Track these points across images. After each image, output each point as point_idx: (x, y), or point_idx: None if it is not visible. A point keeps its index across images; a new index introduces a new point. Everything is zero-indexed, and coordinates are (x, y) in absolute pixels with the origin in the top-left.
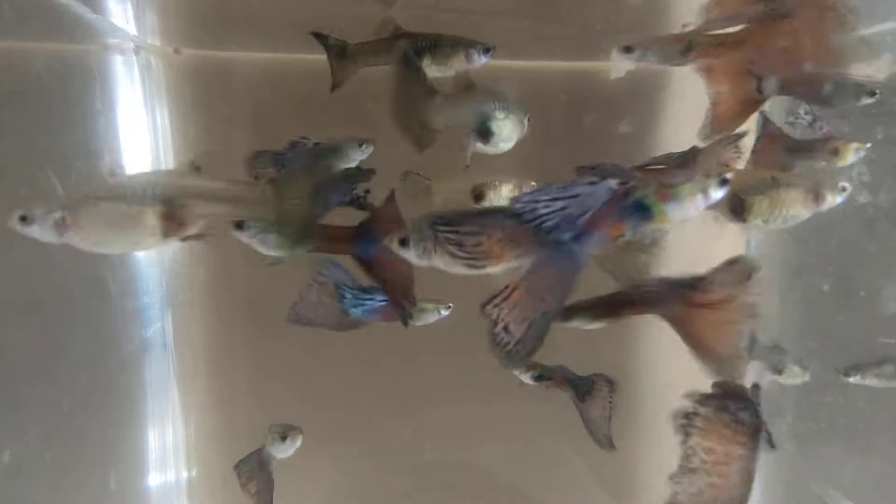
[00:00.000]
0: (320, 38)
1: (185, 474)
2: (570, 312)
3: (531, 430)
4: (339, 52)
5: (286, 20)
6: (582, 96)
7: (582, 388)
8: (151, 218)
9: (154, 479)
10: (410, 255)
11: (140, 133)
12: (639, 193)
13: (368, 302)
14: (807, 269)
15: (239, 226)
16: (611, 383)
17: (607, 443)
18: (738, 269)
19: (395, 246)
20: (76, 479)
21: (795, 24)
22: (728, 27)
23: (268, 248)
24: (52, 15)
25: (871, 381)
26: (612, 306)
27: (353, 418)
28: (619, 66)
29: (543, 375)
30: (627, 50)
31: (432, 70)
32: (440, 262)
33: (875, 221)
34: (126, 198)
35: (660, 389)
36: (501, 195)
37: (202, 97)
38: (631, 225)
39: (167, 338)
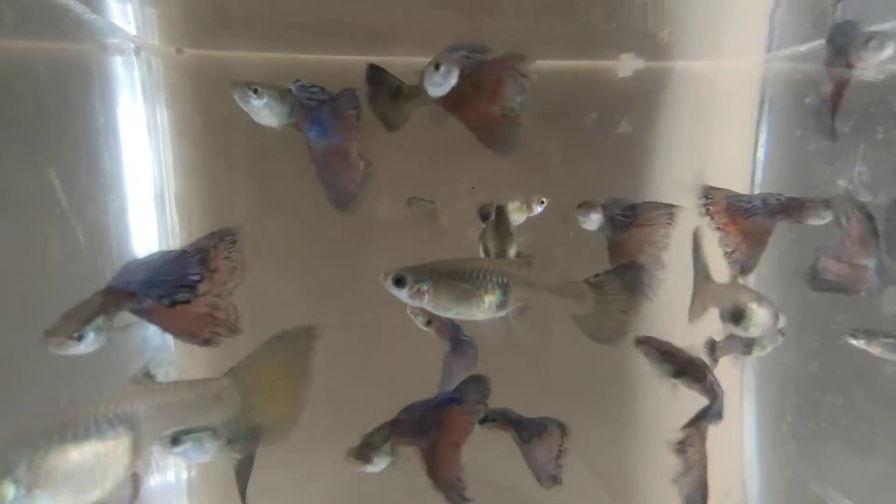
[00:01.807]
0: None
1: (185, 474)
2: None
3: None
4: (394, 93)
5: (287, 20)
6: (585, 97)
7: (529, 429)
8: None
9: (154, 479)
10: (402, 294)
11: (140, 133)
12: None
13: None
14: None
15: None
16: (562, 427)
17: (550, 482)
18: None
19: (388, 285)
20: None
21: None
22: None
23: None
24: (52, 15)
25: (874, 348)
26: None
27: (354, 418)
28: (626, 65)
29: (488, 417)
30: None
31: None
32: (430, 304)
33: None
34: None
35: (659, 392)
36: (508, 212)
37: (202, 97)
38: None
39: (167, 337)
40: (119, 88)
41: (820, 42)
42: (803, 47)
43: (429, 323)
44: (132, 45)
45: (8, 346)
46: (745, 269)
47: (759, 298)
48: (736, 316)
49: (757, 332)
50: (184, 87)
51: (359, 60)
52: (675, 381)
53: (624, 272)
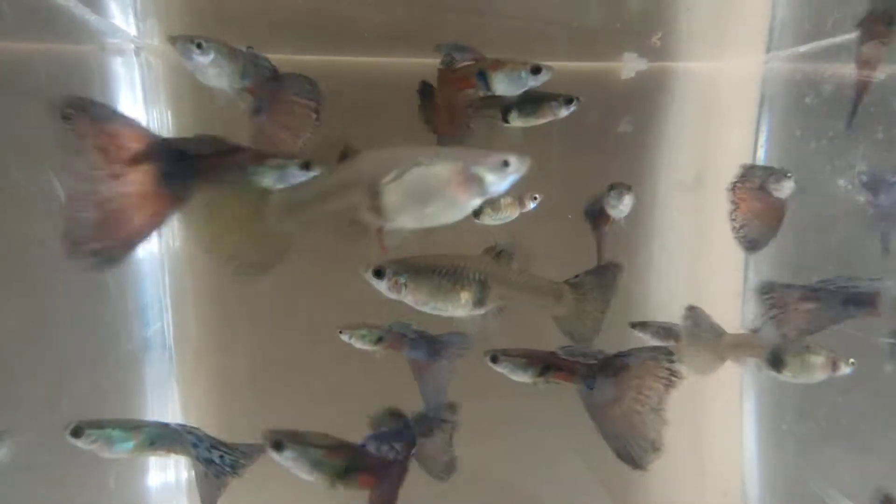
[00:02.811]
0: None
1: (185, 474)
2: None
3: (530, 428)
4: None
5: (287, 20)
6: (585, 97)
7: (420, 428)
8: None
9: (154, 479)
10: (381, 286)
11: None
12: None
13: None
14: (806, 268)
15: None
16: (452, 407)
17: (445, 474)
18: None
19: (368, 276)
20: (76, 478)
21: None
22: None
23: None
24: (53, 15)
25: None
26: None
27: (353, 417)
28: (629, 65)
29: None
30: None
31: (518, 121)
32: (409, 298)
33: (875, 221)
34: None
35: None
36: (500, 208)
37: (202, 97)
38: None
39: (167, 338)
40: (119, 88)
41: (819, 43)
42: (803, 47)
43: (379, 340)
44: (132, 46)
45: (9, 346)
46: (755, 247)
47: (804, 344)
48: (775, 362)
49: (808, 379)
50: (184, 87)
51: (359, 61)
52: (538, 379)
53: (603, 272)
